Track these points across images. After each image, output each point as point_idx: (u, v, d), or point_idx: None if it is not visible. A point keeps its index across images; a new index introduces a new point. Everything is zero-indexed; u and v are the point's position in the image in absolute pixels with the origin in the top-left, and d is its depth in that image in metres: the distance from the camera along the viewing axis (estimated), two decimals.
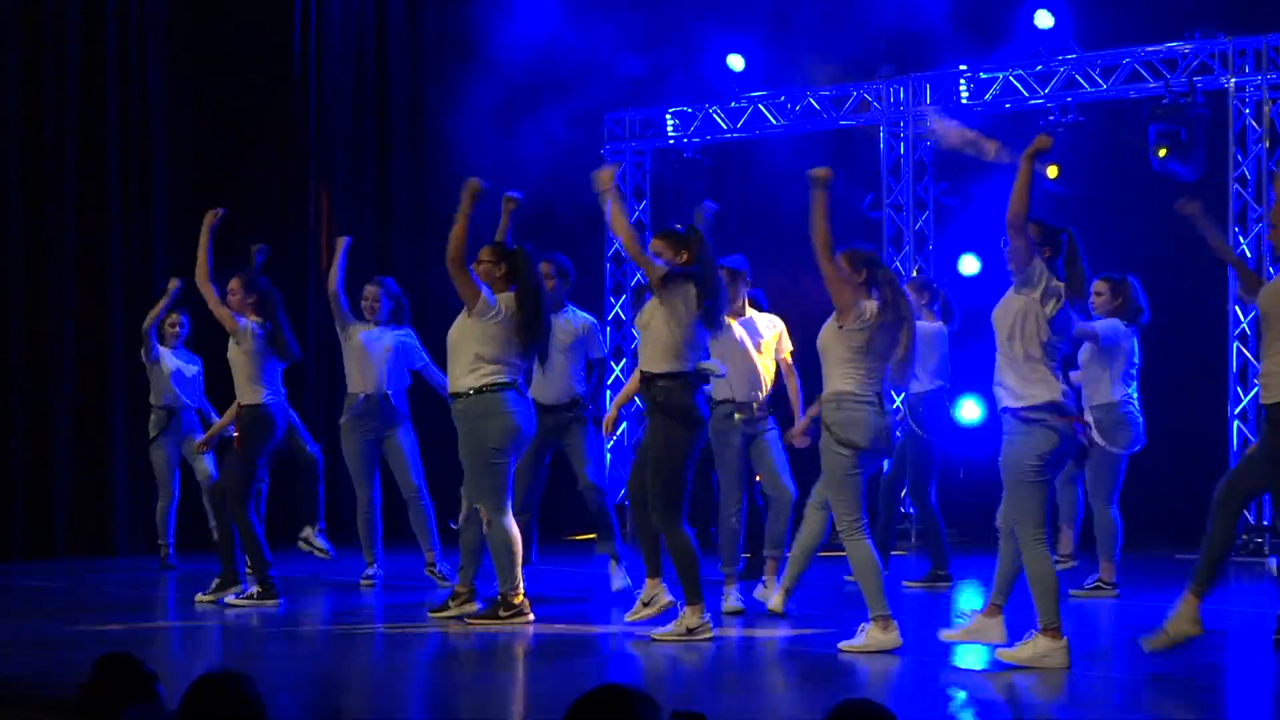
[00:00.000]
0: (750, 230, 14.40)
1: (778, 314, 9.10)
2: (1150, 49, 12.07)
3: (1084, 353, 9.23)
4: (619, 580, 9.26)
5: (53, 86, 11.82)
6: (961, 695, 6.60)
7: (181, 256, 12.60)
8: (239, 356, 9.04)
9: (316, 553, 10.16)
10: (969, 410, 12.79)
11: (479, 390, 8.01)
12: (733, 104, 14.11)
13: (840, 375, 7.16)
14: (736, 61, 14.23)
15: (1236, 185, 11.69)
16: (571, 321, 9.24)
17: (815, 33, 13.78)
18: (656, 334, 7.50)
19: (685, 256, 7.62)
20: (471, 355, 8.02)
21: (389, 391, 9.81)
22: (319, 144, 13.27)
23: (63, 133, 11.88)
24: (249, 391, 9.00)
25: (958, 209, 13.26)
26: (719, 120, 14.20)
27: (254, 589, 8.97)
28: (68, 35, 11.91)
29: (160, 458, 10.93)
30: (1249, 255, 11.62)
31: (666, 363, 7.46)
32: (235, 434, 9.02)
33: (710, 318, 7.51)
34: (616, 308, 14.68)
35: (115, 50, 12.17)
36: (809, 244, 7.50)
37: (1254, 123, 11.66)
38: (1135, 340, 9.17)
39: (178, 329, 10.95)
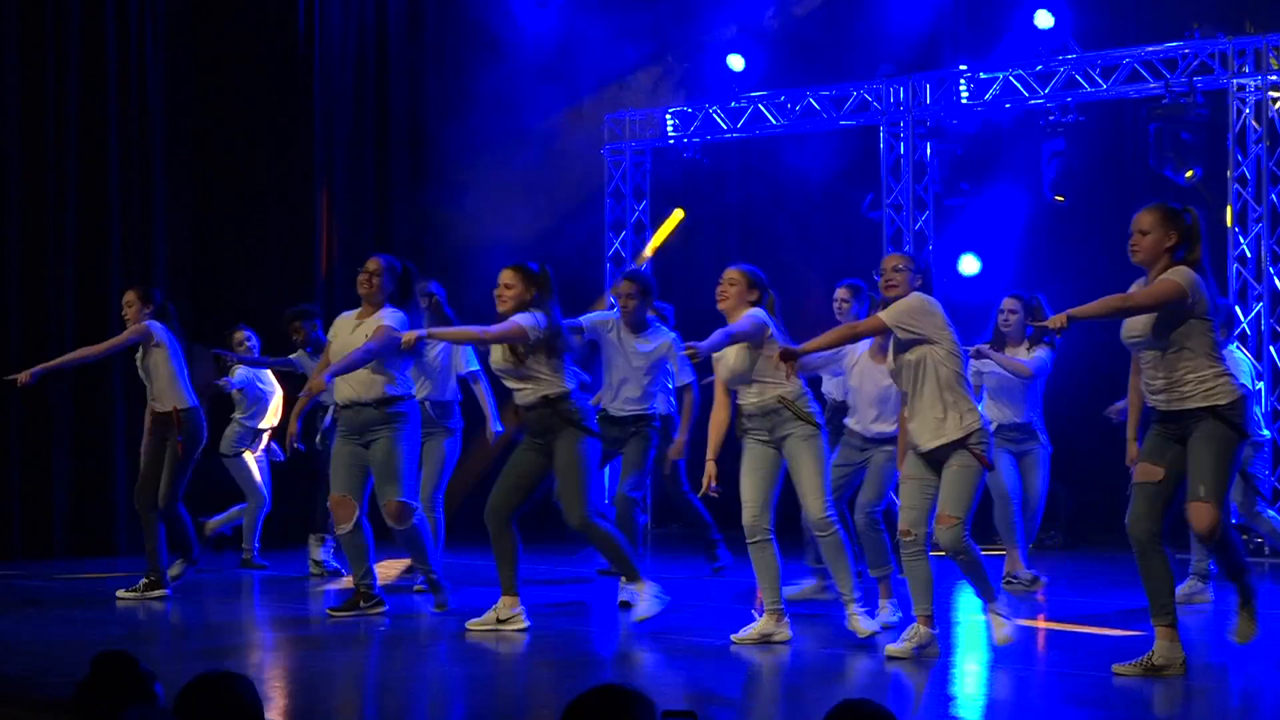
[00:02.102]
0: (750, 230, 14.42)
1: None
2: (1150, 49, 12.07)
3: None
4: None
5: (53, 86, 11.82)
6: (963, 695, 6.60)
7: (181, 256, 12.66)
8: (160, 362, 9.37)
9: (313, 567, 10.29)
10: None
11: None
12: (733, 104, 14.11)
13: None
14: (736, 61, 14.23)
15: (1236, 185, 11.69)
16: (651, 340, 9.09)
17: (815, 32, 13.81)
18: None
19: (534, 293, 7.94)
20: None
21: (442, 398, 9.72)
22: (319, 144, 13.26)
23: (63, 133, 11.88)
24: (179, 396, 9.38)
25: (958, 209, 13.26)
26: (719, 120, 14.20)
27: (145, 580, 9.37)
28: (68, 35, 11.90)
29: (247, 467, 10.96)
30: (1249, 255, 11.63)
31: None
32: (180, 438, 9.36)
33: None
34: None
35: (115, 50, 12.16)
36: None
37: (1254, 123, 11.66)
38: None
39: (247, 345, 10.95)
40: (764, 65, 14.15)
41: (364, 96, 13.70)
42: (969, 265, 13.31)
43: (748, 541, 7.55)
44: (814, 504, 7.44)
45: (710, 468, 7.69)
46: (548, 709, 6.04)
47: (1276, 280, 11.50)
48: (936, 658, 7.08)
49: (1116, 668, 6.65)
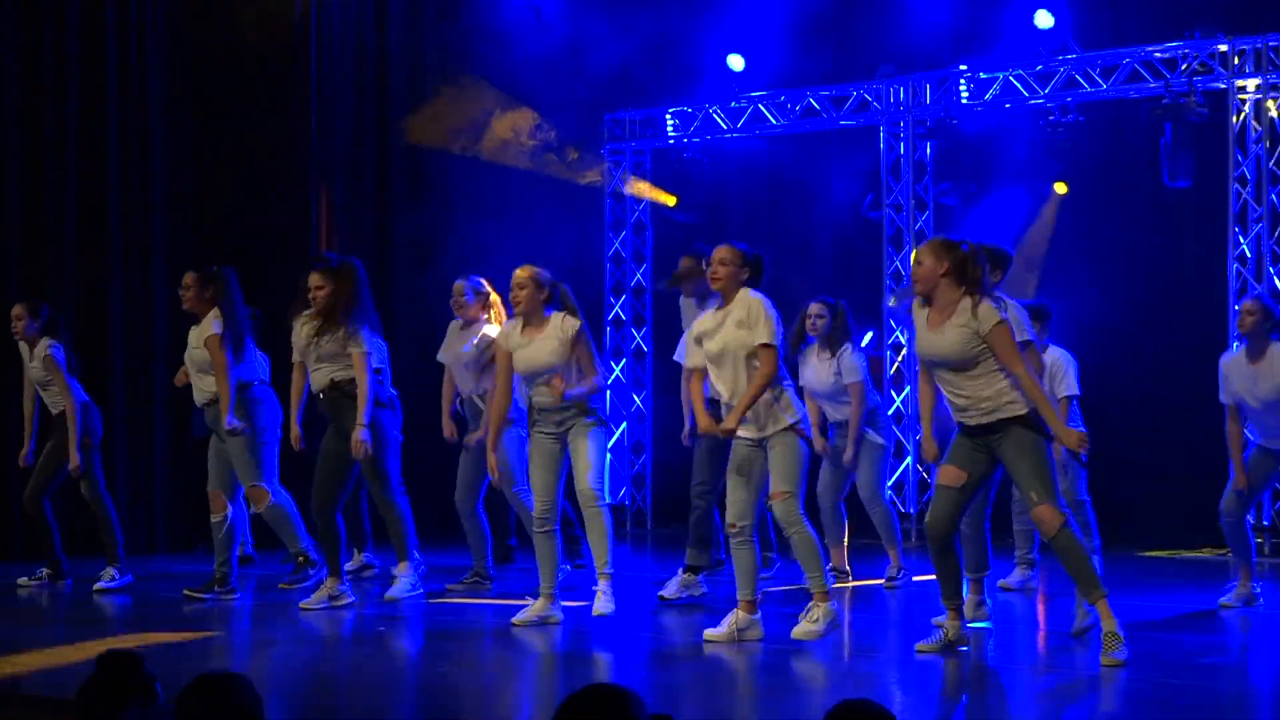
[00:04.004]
0: (750, 230, 14.41)
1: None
2: (1150, 49, 12.07)
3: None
4: (674, 588, 9.23)
5: (53, 86, 11.81)
6: (963, 695, 6.61)
7: (182, 256, 12.63)
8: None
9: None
10: None
11: None
12: (733, 104, 14.11)
13: None
14: (736, 61, 14.23)
15: (1236, 185, 11.69)
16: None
17: (815, 32, 13.80)
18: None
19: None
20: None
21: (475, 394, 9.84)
22: (319, 144, 13.26)
23: (62, 132, 11.87)
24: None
25: (958, 209, 13.26)
26: (719, 120, 14.20)
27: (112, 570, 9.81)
28: (68, 35, 11.90)
29: None
30: (1249, 255, 11.63)
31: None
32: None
33: None
34: (617, 308, 14.68)
35: (115, 50, 12.16)
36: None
37: (1254, 123, 11.66)
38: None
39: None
40: (764, 65, 14.14)
41: (364, 97, 13.70)
42: None
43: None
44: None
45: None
46: (540, 708, 6.04)
47: (1276, 280, 11.49)
48: (760, 640, 7.42)
49: (919, 646, 7.15)
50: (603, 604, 8.18)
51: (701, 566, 9.18)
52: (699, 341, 7.66)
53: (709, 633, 7.49)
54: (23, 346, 10.09)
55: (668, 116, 14.48)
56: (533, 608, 8.11)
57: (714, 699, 6.58)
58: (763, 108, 13.98)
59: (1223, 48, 11.71)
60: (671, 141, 14.48)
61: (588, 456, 8.02)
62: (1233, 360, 8.64)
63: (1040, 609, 9.07)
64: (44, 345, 9.88)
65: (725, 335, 7.49)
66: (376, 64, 13.80)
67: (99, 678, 3.91)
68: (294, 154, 13.15)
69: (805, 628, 7.47)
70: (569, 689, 3.35)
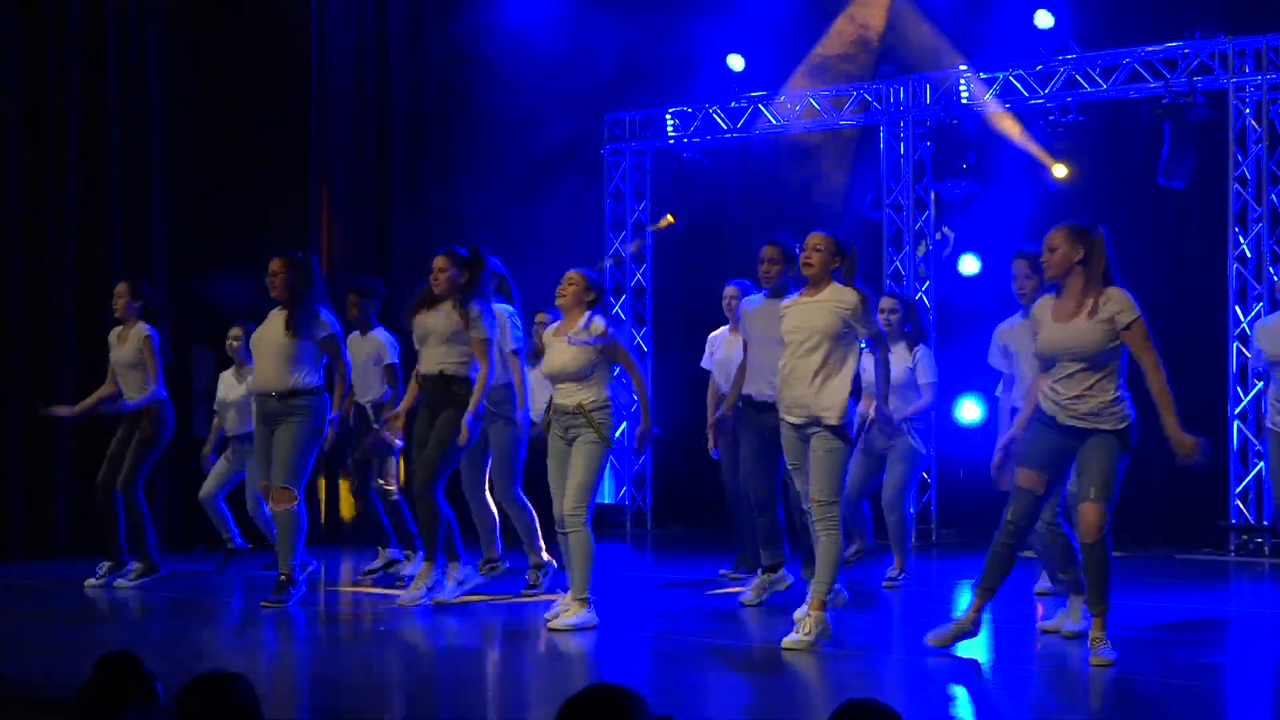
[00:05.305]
0: (750, 230, 14.41)
1: None
2: (1150, 49, 12.07)
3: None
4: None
5: (53, 87, 11.81)
6: (964, 694, 6.60)
7: (182, 257, 12.65)
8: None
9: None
10: (969, 410, 12.80)
11: None
12: (733, 104, 14.11)
13: None
14: (736, 61, 14.22)
15: (1236, 185, 11.69)
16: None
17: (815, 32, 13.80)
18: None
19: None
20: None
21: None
22: (319, 144, 13.26)
23: (63, 132, 11.87)
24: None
25: (958, 208, 13.26)
26: (719, 120, 14.20)
27: (138, 566, 9.71)
28: (68, 36, 11.90)
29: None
30: (1249, 255, 11.63)
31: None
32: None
33: None
34: (617, 307, 14.68)
35: (115, 50, 12.16)
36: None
37: (1254, 123, 11.66)
38: None
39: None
40: (764, 65, 14.14)
41: (364, 96, 13.70)
42: (969, 265, 13.32)
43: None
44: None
45: None
46: (541, 708, 6.04)
47: (1276, 280, 11.49)
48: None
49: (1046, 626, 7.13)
50: (564, 620, 7.97)
51: (780, 564, 8.90)
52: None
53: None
54: (115, 332, 9.92)
55: (668, 116, 14.47)
56: (563, 608, 8.01)
57: (715, 699, 6.58)
58: (763, 108, 13.98)
59: (1223, 48, 11.71)
60: (671, 141, 14.47)
61: (578, 474, 7.91)
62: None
63: (1039, 609, 9.06)
64: (141, 328, 9.73)
65: (813, 318, 7.47)
66: (377, 65, 13.79)
67: (98, 678, 3.91)
68: (294, 155, 13.14)
69: (794, 638, 7.33)
70: (570, 689, 3.34)
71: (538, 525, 9.27)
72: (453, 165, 13.94)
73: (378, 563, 10.08)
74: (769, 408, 8.02)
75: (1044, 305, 6.91)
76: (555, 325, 8.21)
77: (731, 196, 14.57)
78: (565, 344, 8.00)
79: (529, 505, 9.29)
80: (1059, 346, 6.76)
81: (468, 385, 8.53)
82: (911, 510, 9.71)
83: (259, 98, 12.99)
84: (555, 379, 8.08)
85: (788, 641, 7.33)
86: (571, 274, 8.18)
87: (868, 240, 13.37)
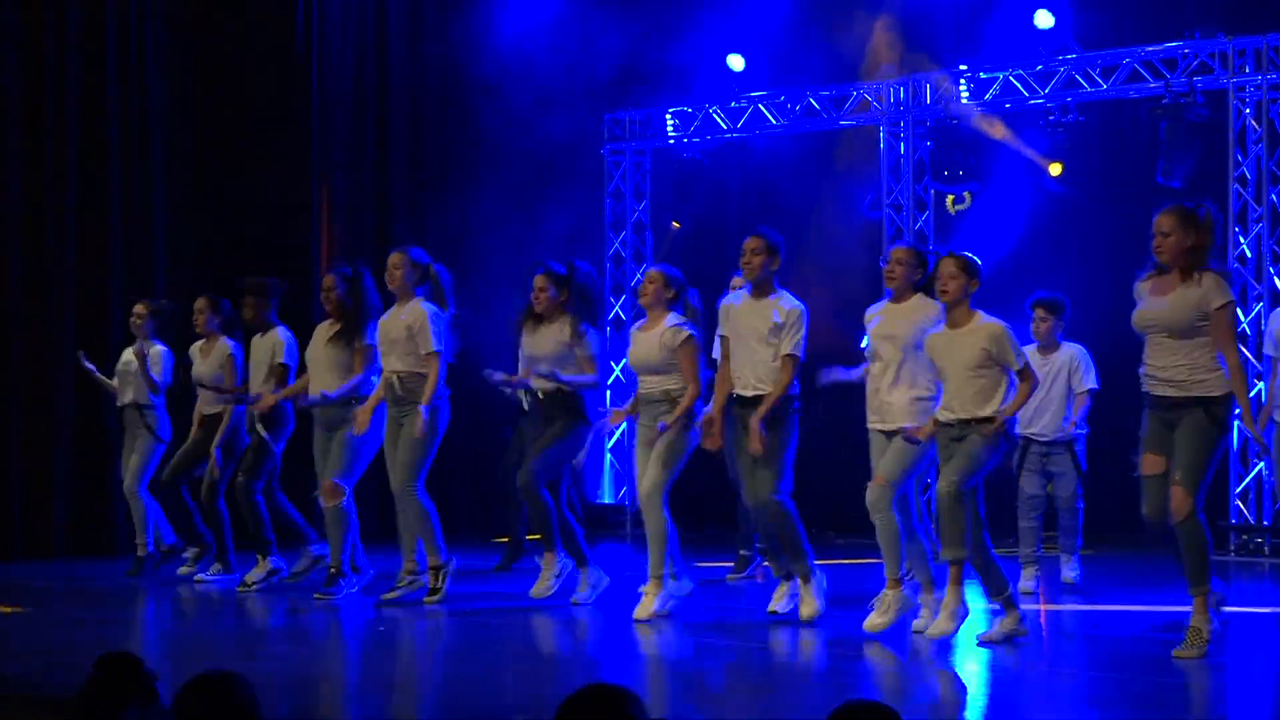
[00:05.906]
0: (750, 230, 14.39)
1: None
2: (1150, 49, 12.07)
3: None
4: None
5: (53, 87, 11.81)
6: (966, 694, 6.60)
7: (182, 256, 12.65)
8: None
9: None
10: None
11: None
12: (733, 104, 14.11)
13: None
14: (736, 61, 14.22)
15: (1236, 185, 11.69)
16: None
17: (815, 32, 13.79)
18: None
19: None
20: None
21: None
22: (319, 144, 13.26)
23: (63, 132, 11.88)
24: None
25: (957, 217, 13.25)
26: (719, 120, 14.19)
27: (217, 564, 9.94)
28: (68, 36, 11.90)
29: None
30: (1249, 255, 11.63)
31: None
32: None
33: None
34: (616, 307, 14.68)
35: (115, 50, 12.16)
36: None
37: (1254, 123, 11.66)
38: None
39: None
40: (764, 65, 14.13)
41: (364, 96, 13.70)
42: None
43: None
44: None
45: None
46: (540, 708, 6.03)
47: (1276, 280, 11.49)
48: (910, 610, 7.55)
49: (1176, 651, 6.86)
50: (644, 608, 8.15)
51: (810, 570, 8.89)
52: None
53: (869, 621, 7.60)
54: (197, 345, 10.09)
55: (668, 116, 14.47)
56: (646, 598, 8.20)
57: (715, 699, 6.57)
58: (763, 108, 13.98)
59: (1223, 48, 11.71)
60: (671, 141, 14.47)
61: (655, 461, 8.18)
62: None
63: (1042, 610, 9.06)
64: (225, 345, 9.97)
65: (905, 327, 7.65)
66: (377, 66, 13.79)
67: (98, 678, 3.91)
68: (295, 156, 13.14)
69: (874, 619, 7.55)
70: (569, 689, 3.34)
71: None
72: (453, 165, 13.93)
73: (301, 564, 9.87)
74: (752, 403, 8.04)
75: (1146, 282, 7.04)
76: (641, 323, 8.47)
77: (731, 196, 14.56)
78: (645, 338, 8.28)
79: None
80: (1149, 320, 6.94)
81: (577, 395, 8.72)
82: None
83: (259, 98, 12.99)
84: (639, 371, 8.37)
85: (868, 622, 7.54)
86: (651, 272, 8.41)
87: (868, 240, 13.37)
